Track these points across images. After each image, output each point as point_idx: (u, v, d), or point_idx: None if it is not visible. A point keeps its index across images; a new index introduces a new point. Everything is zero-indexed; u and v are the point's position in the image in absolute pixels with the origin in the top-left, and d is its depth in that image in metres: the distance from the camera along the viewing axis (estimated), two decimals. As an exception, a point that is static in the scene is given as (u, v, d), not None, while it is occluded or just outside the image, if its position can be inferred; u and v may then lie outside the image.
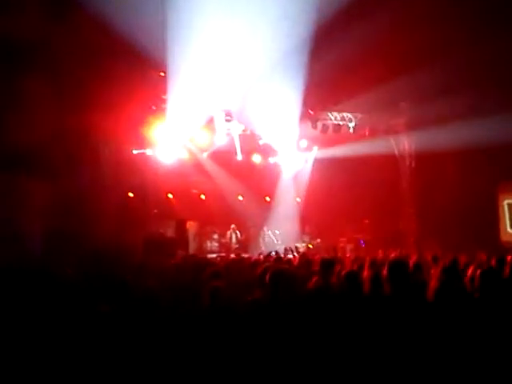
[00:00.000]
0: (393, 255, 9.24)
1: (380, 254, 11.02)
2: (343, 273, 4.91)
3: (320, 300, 4.51)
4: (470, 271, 4.53)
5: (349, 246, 17.14)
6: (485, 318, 3.94)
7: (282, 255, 10.53)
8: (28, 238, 10.41)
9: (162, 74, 13.84)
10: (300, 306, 4.19)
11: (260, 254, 11.46)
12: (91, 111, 11.76)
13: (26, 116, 10.65)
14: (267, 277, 4.26)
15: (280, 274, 4.28)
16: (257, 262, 7.72)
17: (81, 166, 12.10)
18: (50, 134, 10.92)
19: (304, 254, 9.73)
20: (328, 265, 5.89)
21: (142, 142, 15.30)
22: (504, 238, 15.97)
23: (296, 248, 14.58)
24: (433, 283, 4.58)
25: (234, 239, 17.69)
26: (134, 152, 15.43)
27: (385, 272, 4.59)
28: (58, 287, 4.85)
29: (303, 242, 17.52)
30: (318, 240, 17.74)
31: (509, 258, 6.26)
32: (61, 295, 4.55)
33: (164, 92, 14.08)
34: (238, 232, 17.69)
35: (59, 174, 11.20)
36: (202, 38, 12.86)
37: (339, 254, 12.18)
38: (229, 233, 17.66)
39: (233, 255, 12.62)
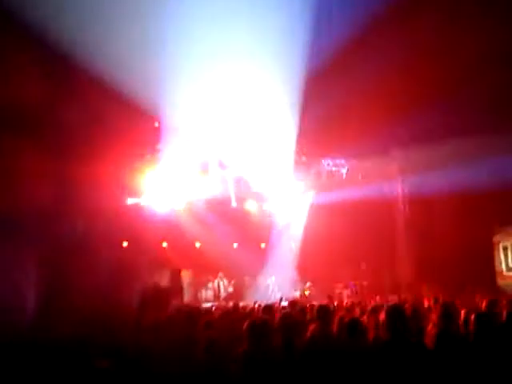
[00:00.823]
0: (390, 301, 9.15)
1: (377, 299, 10.92)
2: (345, 320, 4.83)
3: (319, 348, 4.44)
4: (463, 315, 4.50)
5: (345, 292, 16.96)
6: (480, 362, 3.88)
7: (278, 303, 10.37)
8: (20, 304, 10.29)
9: (157, 124, 14.05)
10: (295, 355, 4.12)
11: (255, 303, 11.31)
12: (85, 162, 11.85)
13: (25, 180, 10.75)
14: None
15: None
16: (250, 313, 7.61)
17: (74, 218, 12.08)
18: (44, 191, 10.98)
19: (294, 302, 9.45)
20: (325, 312, 5.81)
21: (135, 191, 15.34)
22: (500, 281, 15.89)
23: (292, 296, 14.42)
24: (430, 328, 4.54)
25: (221, 287, 17.53)
26: (128, 201, 15.44)
27: (382, 318, 4.53)
28: (53, 350, 4.77)
29: (299, 289, 17.33)
30: (310, 285, 17.57)
31: (504, 301, 6.22)
32: (56, 358, 4.48)
33: (158, 141, 14.24)
34: (225, 280, 17.56)
35: (51, 228, 11.17)
36: (195, 87, 13.11)
37: (335, 301, 12.03)
38: (216, 281, 17.52)
39: (226, 304, 12.46)
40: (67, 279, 11.24)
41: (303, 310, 6.83)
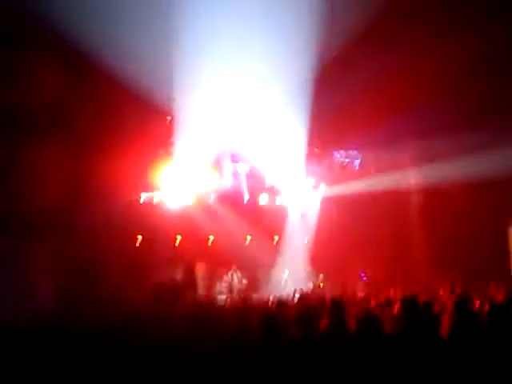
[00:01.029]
0: (403, 292, 9.12)
1: (391, 291, 10.88)
2: (360, 313, 4.83)
3: (333, 342, 4.44)
4: (478, 305, 4.48)
5: (359, 284, 16.93)
6: (495, 353, 3.87)
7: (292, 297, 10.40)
8: (39, 297, 10.43)
9: (169, 118, 14.09)
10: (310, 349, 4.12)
11: (269, 295, 11.36)
12: (99, 159, 11.95)
13: (40, 179, 10.89)
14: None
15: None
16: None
17: (90, 216, 12.19)
18: (60, 189, 11.10)
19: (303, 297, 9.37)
20: (339, 305, 5.81)
21: (149, 186, 15.43)
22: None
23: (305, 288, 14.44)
24: (445, 319, 4.52)
25: (235, 280, 17.58)
26: (142, 197, 15.54)
27: (397, 310, 4.54)
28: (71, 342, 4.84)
29: (312, 281, 17.33)
30: (322, 277, 17.56)
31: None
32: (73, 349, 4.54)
33: (171, 136, 14.28)
34: (238, 273, 17.61)
35: (67, 226, 11.30)
36: (208, 81, 13.13)
37: (349, 293, 12.02)
38: (230, 274, 17.58)
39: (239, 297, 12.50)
40: (83, 274, 11.37)
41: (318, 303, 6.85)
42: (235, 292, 16.37)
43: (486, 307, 4.28)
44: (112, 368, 4.22)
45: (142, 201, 15.49)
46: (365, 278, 16.96)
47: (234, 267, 17.56)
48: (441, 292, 8.14)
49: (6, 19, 10.30)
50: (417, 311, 4.33)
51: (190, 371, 4.30)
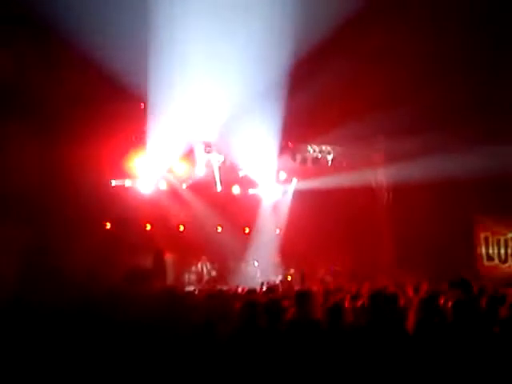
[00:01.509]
0: (370, 287, 9.24)
1: (359, 285, 11.02)
2: (327, 304, 4.89)
3: (300, 331, 4.48)
4: (441, 301, 4.57)
5: (328, 278, 17.11)
6: (459, 349, 3.96)
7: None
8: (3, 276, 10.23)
9: (142, 105, 13.93)
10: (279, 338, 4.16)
11: (238, 287, 11.38)
12: (70, 143, 11.74)
13: (9, 160, 10.63)
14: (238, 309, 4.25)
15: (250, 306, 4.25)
16: (235, 296, 7.66)
17: (59, 200, 12.00)
18: (29, 174, 10.87)
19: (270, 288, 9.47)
20: (304, 297, 5.86)
21: (121, 173, 15.25)
22: (481, 270, 16.16)
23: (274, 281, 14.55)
24: (411, 314, 4.61)
25: (205, 271, 17.59)
26: (113, 183, 15.35)
27: (362, 302, 4.60)
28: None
29: (281, 274, 17.45)
30: (293, 271, 17.70)
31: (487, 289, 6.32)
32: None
33: (144, 123, 14.13)
34: (208, 263, 17.62)
35: (36, 211, 11.09)
36: (182, 70, 13.02)
37: (308, 283, 12.11)
38: (199, 265, 17.57)
39: (211, 287, 12.52)
40: (50, 260, 11.19)
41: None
42: (204, 283, 16.38)
43: (450, 303, 4.36)
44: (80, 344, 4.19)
45: (113, 186, 15.31)
46: (334, 272, 17.12)
47: (203, 258, 17.54)
48: (407, 288, 8.27)
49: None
50: (383, 305, 4.40)
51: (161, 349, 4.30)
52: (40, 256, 10.92)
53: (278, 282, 15.34)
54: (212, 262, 17.64)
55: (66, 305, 5.61)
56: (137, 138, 14.81)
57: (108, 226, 15.28)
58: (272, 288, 9.36)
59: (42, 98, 11.41)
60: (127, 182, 15.58)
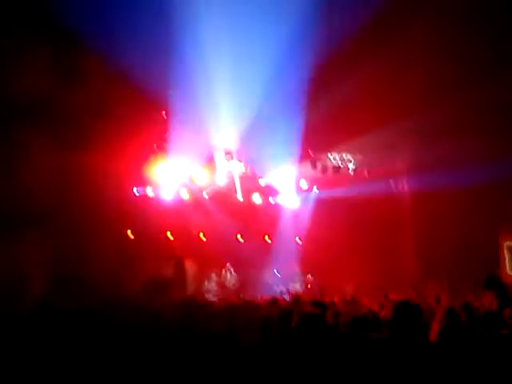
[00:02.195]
0: (394, 297, 9.15)
1: (381, 295, 10.90)
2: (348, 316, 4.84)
3: (319, 342, 4.43)
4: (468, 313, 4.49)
5: (348, 287, 16.94)
6: (484, 361, 3.87)
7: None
8: (26, 292, 10.38)
9: (164, 114, 14.06)
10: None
11: (258, 295, 11.37)
12: (92, 152, 11.88)
13: (32, 170, 10.81)
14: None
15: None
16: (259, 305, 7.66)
17: (82, 209, 12.13)
18: (54, 183, 11.03)
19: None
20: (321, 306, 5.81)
21: (142, 182, 15.38)
22: (505, 279, 15.84)
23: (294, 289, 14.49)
24: (435, 325, 4.53)
25: (225, 279, 17.58)
26: (135, 191, 15.48)
27: (387, 313, 4.54)
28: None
29: (301, 282, 17.36)
30: (310, 278, 17.59)
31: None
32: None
33: (166, 132, 14.25)
34: (228, 272, 17.61)
35: (60, 219, 11.24)
36: (203, 79, 13.10)
37: (333, 296, 12.00)
38: (223, 272, 17.57)
39: (232, 296, 12.51)
40: (73, 268, 11.31)
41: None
42: (224, 291, 16.34)
43: (480, 315, 4.28)
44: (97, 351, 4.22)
45: (135, 195, 15.44)
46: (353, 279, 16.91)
47: (224, 267, 17.53)
48: (430, 299, 8.16)
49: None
50: (407, 316, 4.32)
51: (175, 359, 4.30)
52: (64, 264, 11.05)
53: (298, 290, 15.27)
54: (232, 271, 17.63)
55: (89, 313, 5.67)
56: (158, 146, 14.94)
57: (129, 234, 15.39)
58: (298, 299, 9.28)
59: (66, 109, 11.59)
60: (148, 191, 15.70)
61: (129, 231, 15.31)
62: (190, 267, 16.95)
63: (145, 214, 15.03)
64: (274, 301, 7.97)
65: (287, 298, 11.08)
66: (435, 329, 4.33)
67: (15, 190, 10.30)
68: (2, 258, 10.12)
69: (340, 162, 17.07)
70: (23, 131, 10.75)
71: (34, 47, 11.21)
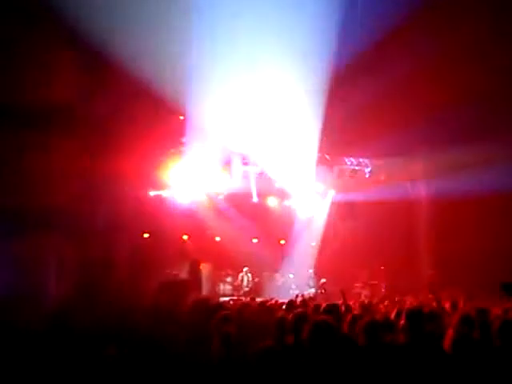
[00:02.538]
0: (409, 303, 9.08)
1: (396, 300, 10.83)
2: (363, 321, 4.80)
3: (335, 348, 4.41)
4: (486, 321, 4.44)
5: (364, 292, 16.87)
6: (500, 370, 3.83)
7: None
8: (43, 294, 10.51)
9: (181, 117, 14.15)
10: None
11: (272, 299, 11.33)
12: (111, 156, 12.00)
13: (55, 172, 10.97)
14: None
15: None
16: (272, 308, 7.65)
17: (99, 211, 12.27)
18: (73, 186, 11.17)
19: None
20: (334, 311, 5.79)
21: (159, 184, 15.50)
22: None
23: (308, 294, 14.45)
24: (450, 332, 4.49)
25: (245, 282, 17.58)
26: (151, 194, 15.61)
27: (402, 321, 4.52)
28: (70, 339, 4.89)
29: (315, 286, 17.30)
30: (324, 282, 17.51)
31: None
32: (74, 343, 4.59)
33: (182, 135, 14.34)
34: (249, 275, 17.61)
35: (78, 222, 11.37)
36: (220, 83, 13.16)
37: (349, 300, 11.93)
38: (241, 275, 17.58)
39: (245, 298, 12.51)
40: (90, 270, 11.42)
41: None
42: (239, 294, 16.36)
43: (497, 323, 4.23)
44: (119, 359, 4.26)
45: (151, 198, 15.57)
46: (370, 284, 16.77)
47: (239, 269, 17.54)
48: (446, 305, 8.07)
49: (26, 15, 10.39)
50: (422, 323, 4.31)
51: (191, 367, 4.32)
52: (83, 266, 11.17)
53: (312, 294, 15.21)
54: (247, 273, 17.65)
55: (105, 318, 5.73)
56: (175, 149, 15.05)
57: (146, 236, 15.50)
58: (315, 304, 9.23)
59: (90, 114, 11.75)
60: (165, 193, 15.81)
61: (146, 234, 15.43)
62: (205, 269, 17.00)
63: (161, 216, 15.14)
64: (290, 304, 7.96)
65: (302, 301, 11.02)
66: (450, 336, 4.29)
67: (36, 191, 10.45)
68: (22, 260, 10.26)
69: (356, 166, 17.02)
70: (49, 134, 10.92)
71: (67, 60, 11.42)
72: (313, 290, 16.64)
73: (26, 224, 10.33)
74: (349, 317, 5.23)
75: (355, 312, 6.57)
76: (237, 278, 17.81)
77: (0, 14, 10.13)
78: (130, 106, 12.44)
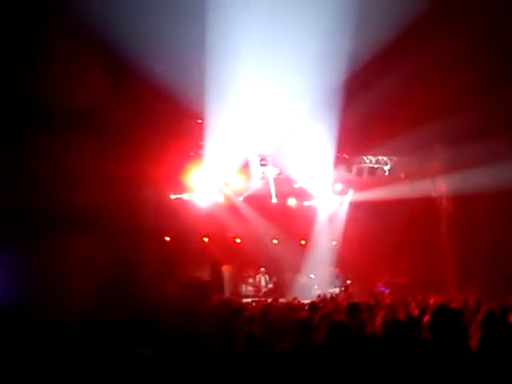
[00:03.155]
0: (432, 300, 9.04)
1: (419, 299, 10.78)
2: (387, 319, 4.83)
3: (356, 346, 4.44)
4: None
5: (386, 291, 16.80)
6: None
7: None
8: (80, 290, 10.70)
9: (200, 121, 14.26)
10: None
11: (295, 299, 11.38)
12: (132, 159, 12.16)
13: (79, 175, 11.15)
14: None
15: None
16: (295, 308, 7.70)
17: (122, 215, 12.42)
18: (95, 189, 11.34)
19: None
20: (356, 310, 5.82)
21: (179, 187, 15.64)
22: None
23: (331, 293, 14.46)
24: (474, 330, 4.49)
25: (263, 282, 17.65)
26: (172, 197, 15.76)
27: (426, 318, 4.52)
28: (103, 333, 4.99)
29: (338, 286, 17.29)
30: (350, 283, 17.49)
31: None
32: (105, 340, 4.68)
33: (201, 139, 14.46)
34: (267, 276, 17.68)
35: (101, 225, 11.54)
36: (237, 85, 13.23)
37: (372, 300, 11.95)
38: (258, 276, 17.66)
39: (268, 299, 12.58)
40: (117, 271, 11.57)
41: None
42: (261, 295, 16.45)
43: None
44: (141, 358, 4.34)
45: (172, 201, 15.72)
46: (386, 290, 16.73)
47: (260, 270, 17.62)
48: (470, 302, 8.04)
49: (49, 21, 10.60)
50: (447, 320, 4.31)
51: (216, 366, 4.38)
52: (108, 268, 11.33)
53: (335, 294, 15.21)
54: (269, 274, 17.72)
55: (134, 316, 5.84)
56: (194, 152, 15.17)
57: (167, 239, 15.66)
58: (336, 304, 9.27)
59: (109, 117, 11.91)
60: (185, 196, 15.96)
61: (167, 236, 15.60)
62: (227, 271, 17.11)
63: (182, 219, 15.28)
64: (313, 305, 8.00)
65: (322, 300, 11.05)
66: (476, 335, 4.30)
67: (62, 197, 10.63)
68: (48, 261, 10.44)
69: (375, 164, 16.95)
70: (74, 137, 11.11)
71: (92, 65, 11.63)
72: (336, 290, 16.64)
73: (56, 224, 10.52)
74: (380, 315, 5.25)
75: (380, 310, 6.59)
76: (257, 279, 17.90)
77: (35, 23, 10.39)
78: (152, 111, 12.60)
